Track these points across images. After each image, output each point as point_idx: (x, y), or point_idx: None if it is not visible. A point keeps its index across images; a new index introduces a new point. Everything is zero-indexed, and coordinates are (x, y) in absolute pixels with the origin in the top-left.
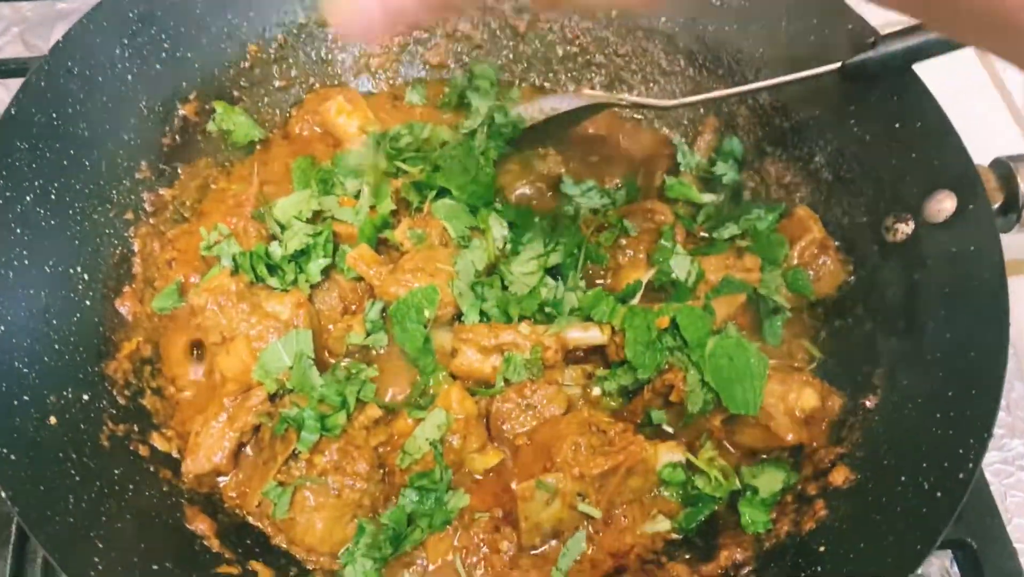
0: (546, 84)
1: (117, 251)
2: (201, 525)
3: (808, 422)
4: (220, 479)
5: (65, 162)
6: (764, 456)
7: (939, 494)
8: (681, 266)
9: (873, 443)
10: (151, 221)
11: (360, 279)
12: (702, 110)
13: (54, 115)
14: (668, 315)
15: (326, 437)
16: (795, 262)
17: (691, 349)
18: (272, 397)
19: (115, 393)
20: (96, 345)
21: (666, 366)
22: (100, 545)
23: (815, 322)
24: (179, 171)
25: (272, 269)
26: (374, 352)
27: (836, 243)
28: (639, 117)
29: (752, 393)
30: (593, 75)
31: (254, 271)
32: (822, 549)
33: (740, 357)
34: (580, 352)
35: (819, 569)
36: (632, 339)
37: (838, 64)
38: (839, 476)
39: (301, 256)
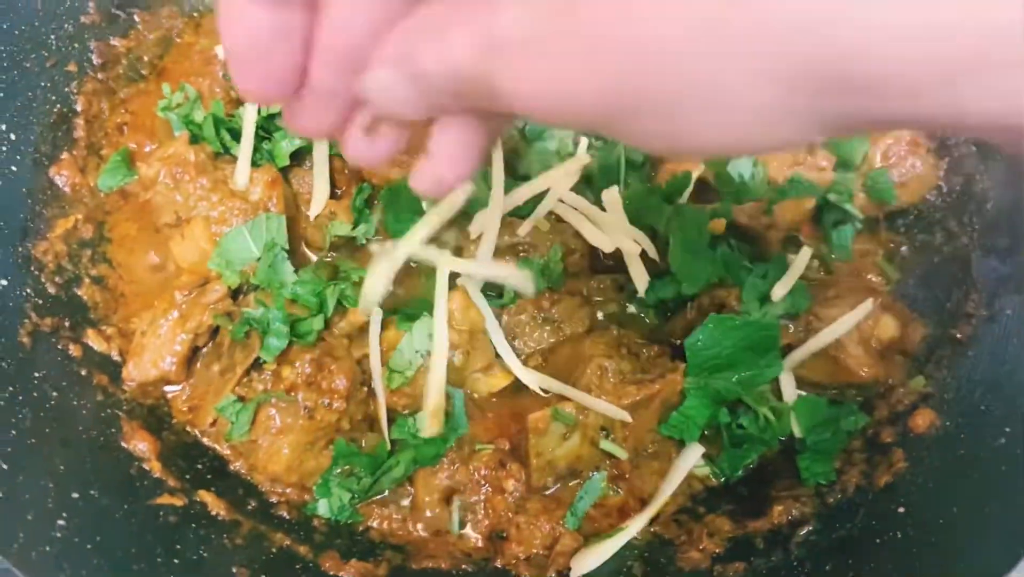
0: None
1: (55, 110)
2: (141, 444)
3: (883, 355)
4: (168, 389)
5: None
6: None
7: None
8: (743, 168)
9: (966, 383)
10: (99, 76)
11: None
12: None
13: None
14: (725, 217)
15: (298, 345)
16: (877, 162)
17: None
18: (234, 294)
19: (43, 280)
20: (23, 221)
21: (716, 280)
22: (5, 466)
23: (894, 236)
24: (136, 19)
25: (237, 136)
26: (362, 245)
27: (927, 142)
28: None
29: None
30: None
31: (218, 140)
32: (901, 510)
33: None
34: (611, 260)
35: (898, 535)
36: (679, 245)
37: None
38: (922, 421)
39: (275, 126)
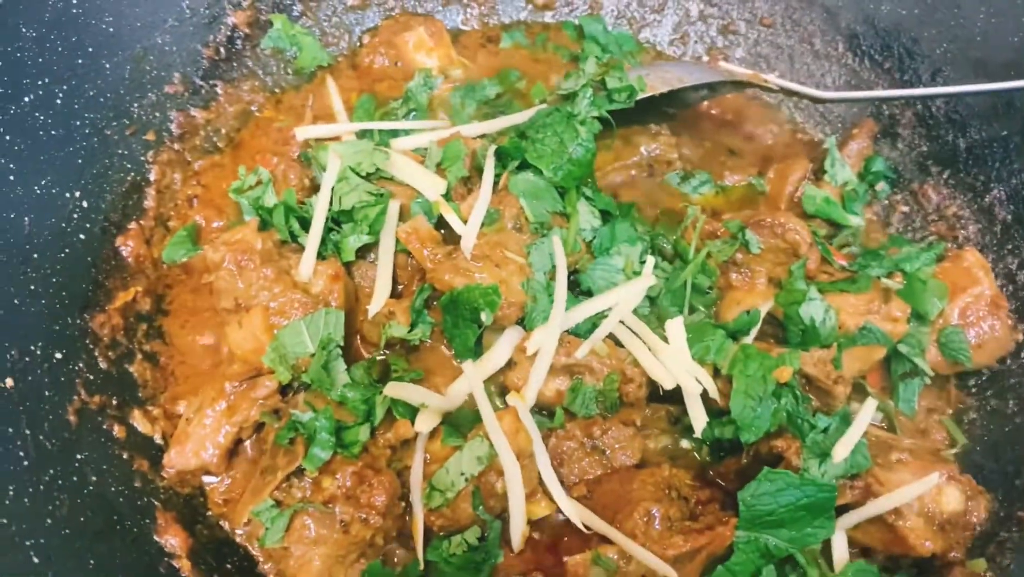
0: (671, 50)
1: (129, 178)
2: (173, 539)
3: (944, 528)
4: (207, 479)
5: (80, 61)
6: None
7: None
8: (815, 312)
9: None
10: (176, 147)
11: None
12: (856, 109)
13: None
14: (792, 366)
15: (341, 456)
16: (954, 320)
17: None
18: (284, 390)
19: (97, 354)
20: (84, 291)
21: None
22: (36, 560)
23: (964, 397)
24: (218, 91)
25: (307, 225)
26: (418, 344)
27: (1008, 303)
28: (771, 101)
29: None
30: (729, 44)
31: (287, 228)
32: None
33: None
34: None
35: None
36: (742, 390)
37: None
38: None
39: (345, 218)
